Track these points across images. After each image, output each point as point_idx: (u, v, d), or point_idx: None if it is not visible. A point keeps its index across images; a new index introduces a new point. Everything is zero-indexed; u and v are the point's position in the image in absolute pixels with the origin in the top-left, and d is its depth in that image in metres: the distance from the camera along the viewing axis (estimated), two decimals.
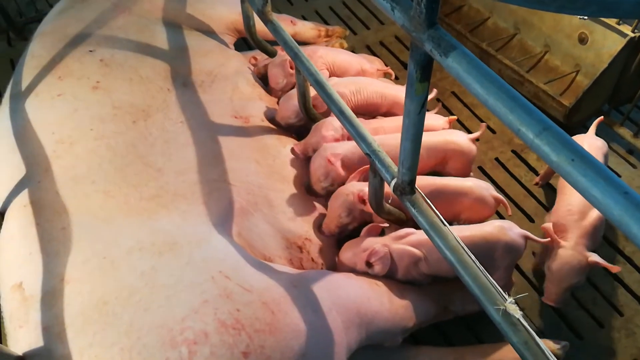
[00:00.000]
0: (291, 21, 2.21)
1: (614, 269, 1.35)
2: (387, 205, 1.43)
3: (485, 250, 1.33)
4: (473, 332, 1.54)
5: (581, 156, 0.62)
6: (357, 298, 1.28)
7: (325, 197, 1.57)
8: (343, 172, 1.54)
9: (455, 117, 1.82)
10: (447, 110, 2.15)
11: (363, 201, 1.44)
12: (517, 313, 0.94)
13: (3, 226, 1.34)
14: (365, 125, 1.66)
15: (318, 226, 1.53)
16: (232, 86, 1.73)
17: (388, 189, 1.25)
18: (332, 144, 1.58)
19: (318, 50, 1.90)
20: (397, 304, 1.34)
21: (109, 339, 1.03)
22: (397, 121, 1.72)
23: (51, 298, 1.12)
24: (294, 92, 1.68)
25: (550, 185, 1.88)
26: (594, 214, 1.45)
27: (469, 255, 1.04)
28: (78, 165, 1.36)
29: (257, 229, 1.41)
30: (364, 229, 1.42)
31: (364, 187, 1.44)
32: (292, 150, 1.66)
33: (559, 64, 2.08)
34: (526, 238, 1.39)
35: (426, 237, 1.30)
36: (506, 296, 0.97)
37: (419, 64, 0.87)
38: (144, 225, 1.24)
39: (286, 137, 1.71)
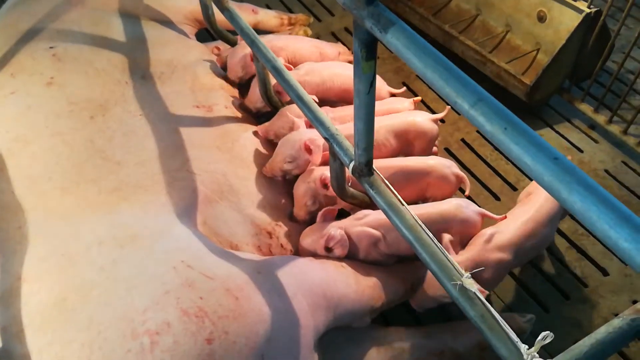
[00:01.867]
0: (252, 10, 2.19)
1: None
2: (350, 189, 1.43)
3: (441, 228, 1.34)
4: (442, 311, 1.55)
5: (513, 125, 0.62)
6: (323, 281, 1.28)
7: (282, 178, 1.56)
8: (319, 161, 1.50)
9: (419, 98, 1.83)
10: (412, 93, 2.16)
11: (325, 185, 1.43)
12: (473, 287, 0.95)
13: None
14: (329, 113, 1.67)
15: (289, 215, 1.53)
16: (192, 76, 1.71)
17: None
18: (310, 129, 1.54)
19: (273, 41, 1.88)
20: (363, 285, 1.35)
21: (68, 335, 1.01)
22: (384, 105, 1.73)
23: (8, 298, 1.09)
24: None
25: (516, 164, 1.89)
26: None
27: (427, 233, 1.05)
28: (34, 164, 1.33)
29: (223, 216, 1.39)
30: (319, 214, 1.42)
31: (325, 171, 1.44)
32: (255, 133, 1.65)
33: (520, 43, 2.10)
34: (482, 215, 1.41)
35: (384, 217, 1.32)
36: (463, 272, 0.98)
37: (363, 43, 0.86)
38: (104, 220, 1.22)
39: (248, 123, 1.69)
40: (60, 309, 1.05)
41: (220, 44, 2.06)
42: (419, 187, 1.52)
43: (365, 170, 1.13)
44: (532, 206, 1.43)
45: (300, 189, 1.48)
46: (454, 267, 0.99)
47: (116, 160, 1.37)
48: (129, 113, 1.51)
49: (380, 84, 1.89)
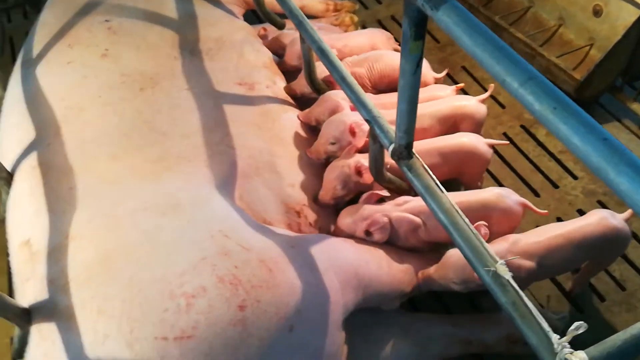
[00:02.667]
0: None
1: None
2: (388, 173, 1.43)
3: (481, 216, 1.32)
4: (471, 302, 1.54)
5: (563, 104, 0.62)
6: (355, 261, 1.29)
7: (325, 164, 1.56)
8: (362, 143, 1.49)
9: (462, 84, 1.79)
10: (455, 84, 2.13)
11: (359, 173, 1.44)
12: (506, 274, 0.94)
13: (12, 187, 1.38)
14: (374, 100, 1.66)
15: (313, 197, 1.54)
16: (238, 54, 1.74)
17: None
18: (354, 112, 1.54)
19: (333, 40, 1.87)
20: (395, 268, 1.36)
21: (111, 291, 1.06)
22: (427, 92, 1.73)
23: (57, 253, 1.16)
24: None
25: (559, 161, 1.85)
26: None
27: (463, 219, 1.04)
28: (86, 130, 1.40)
29: (258, 192, 1.42)
30: (363, 196, 1.42)
31: (361, 159, 1.44)
32: (298, 117, 1.67)
33: (572, 37, 2.04)
34: (523, 206, 1.38)
35: (424, 204, 1.34)
36: (497, 258, 0.97)
37: (412, 21, 0.86)
38: (149, 187, 1.27)
39: (288, 105, 1.72)
40: (104, 266, 1.10)
41: (266, 25, 2.09)
42: (456, 167, 1.52)
43: (404, 153, 1.13)
44: (571, 224, 1.34)
45: (333, 172, 1.49)
46: (489, 253, 0.98)
47: (162, 131, 1.42)
48: (176, 87, 1.56)
49: (426, 69, 1.87)
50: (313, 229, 1.46)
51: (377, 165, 1.36)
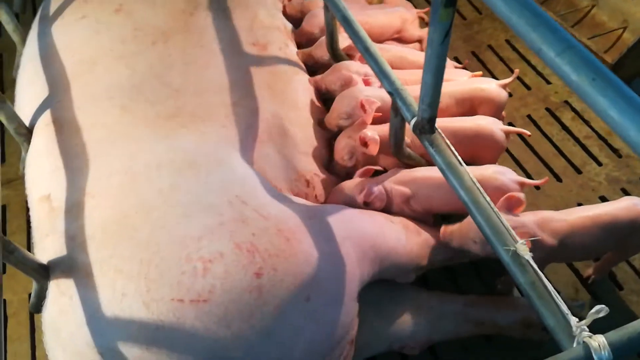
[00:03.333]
0: None
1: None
2: (407, 149, 1.41)
3: None
4: (486, 284, 1.53)
5: (603, 75, 0.59)
6: (372, 232, 1.28)
7: (336, 134, 1.54)
8: (371, 120, 1.46)
9: (480, 73, 1.70)
10: (481, 65, 2.07)
11: (365, 144, 1.42)
12: (526, 254, 0.92)
13: (31, 142, 1.39)
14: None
15: (325, 164, 1.53)
16: (253, 14, 1.70)
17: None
18: (367, 87, 1.53)
19: None
20: (412, 241, 1.35)
21: (128, 251, 1.07)
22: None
23: (76, 210, 1.17)
24: None
25: (584, 146, 1.80)
26: None
27: (484, 196, 1.02)
28: (97, 84, 1.38)
29: (270, 158, 1.41)
30: (357, 172, 1.42)
31: (368, 130, 1.43)
32: (309, 81, 1.64)
33: (606, 19, 1.96)
34: (522, 185, 1.36)
35: (417, 174, 1.37)
36: (517, 238, 0.95)
37: None
38: (163, 143, 1.25)
39: (299, 67, 1.68)
40: (121, 225, 1.11)
41: None
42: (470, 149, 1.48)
43: (427, 127, 1.11)
44: (600, 207, 1.30)
45: (341, 142, 1.49)
46: (509, 232, 0.96)
47: (175, 87, 1.40)
48: (190, 43, 1.52)
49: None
50: (317, 201, 1.45)
51: (397, 139, 1.34)
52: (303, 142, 1.50)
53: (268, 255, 1.08)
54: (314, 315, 1.11)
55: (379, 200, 1.36)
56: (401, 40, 1.89)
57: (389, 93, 1.22)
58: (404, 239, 1.34)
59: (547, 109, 1.91)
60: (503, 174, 1.37)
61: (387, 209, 1.38)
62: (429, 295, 1.43)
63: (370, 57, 1.29)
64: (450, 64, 1.83)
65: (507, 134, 1.52)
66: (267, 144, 1.41)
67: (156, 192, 1.14)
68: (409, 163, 1.43)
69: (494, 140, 1.49)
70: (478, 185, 1.04)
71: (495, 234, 0.97)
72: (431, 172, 1.36)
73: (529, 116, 1.90)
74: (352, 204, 1.37)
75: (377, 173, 1.44)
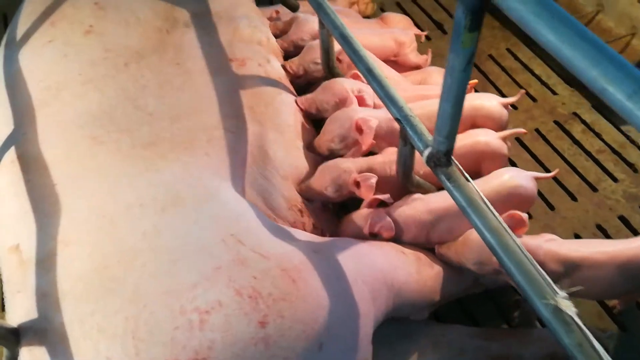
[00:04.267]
0: None
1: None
2: (417, 177, 1.29)
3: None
4: (502, 315, 1.41)
5: None
6: (384, 267, 1.17)
7: (326, 158, 1.41)
8: (369, 143, 1.34)
9: (475, 81, 1.55)
10: (483, 75, 1.97)
11: (357, 184, 1.30)
12: (570, 310, 0.80)
13: None
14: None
15: (307, 144, 1.41)
16: (234, 28, 1.57)
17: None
18: (363, 108, 1.42)
19: None
20: (425, 275, 1.24)
21: (112, 306, 0.94)
22: (436, 90, 1.55)
23: (49, 261, 1.03)
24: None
25: (597, 161, 1.70)
26: None
27: (513, 239, 0.90)
28: (64, 112, 1.25)
29: (257, 184, 1.28)
30: (364, 202, 1.30)
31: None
32: (296, 102, 1.51)
33: (612, 25, 1.87)
34: (535, 179, 1.29)
35: (438, 203, 1.26)
36: (557, 289, 0.83)
37: (468, 9, 0.71)
38: (142, 177, 1.12)
39: (283, 86, 1.54)
40: (102, 277, 0.97)
41: (279, 8, 1.92)
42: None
43: (443, 160, 0.99)
44: (622, 243, 1.16)
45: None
46: (547, 282, 0.84)
47: (149, 111, 1.27)
48: (165, 61, 1.40)
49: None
50: (317, 230, 1.33)
51: (405, 168, 1.22)
52: (285, 165, 1.35)
53: (273, 300, 0.95)
54: None
55: (386, 231, 1.24)
56: (396, 64, 1.76)
57: (397, 120, 1.11)
58: (417, 273, 1.23)
59: (556, 122, 1.81)
60: (518, 176, 1.28)
61: (398, 239, 1.27)
62: (445, 329, 1.31)
63: (373, 79, 1.17)
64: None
65: (505, 139, 1.42)
66: (254, 169, 1.28)
67: (139, 236, 1.01)
68: (418, 192, 1.31)
69: (493, 152, 1.39)
70: (505, 224, 0.93)
71: (531, 283, 0.85)
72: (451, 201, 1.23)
73: (537, 130, 1.80)
74: (361, 235, 1.26)
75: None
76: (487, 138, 1.40)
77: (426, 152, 1.03)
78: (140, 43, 1.41)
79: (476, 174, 1.34)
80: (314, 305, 0.99)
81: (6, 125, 1.27)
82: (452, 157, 1.00)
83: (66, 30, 1.42)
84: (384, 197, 1.28)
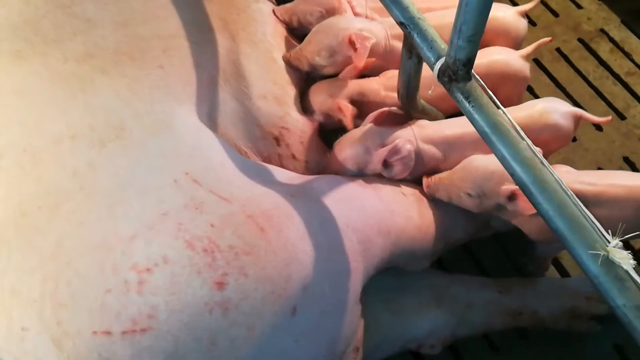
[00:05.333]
0: None
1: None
2: (422, 101, 1.07)
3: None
4: (515, 266, 1.25)
5: None
6: (378, 211, 0.98)
7: (307, 73, 1.19)
8: (363, 62, 1.12)
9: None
10: None
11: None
12: (626, 263, 0.61)
13: None
14: None
15: (283, 55, 1.19)
16: None
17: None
18: (359, 19, 1.18)
19: None
20: (427, 219, 1.05)
21: (28, 263, 0.76)
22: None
23: None
24: None
25: (626, 85, 1.48)
26: None
27: (551, 173, 0.70)
28: None
29: (227, 108, 1.06)
30: (369, 116, 1.08)
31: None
32: (274, 12, 1.26)
33: None
34: (577, 118, 1.10)
35: (450, 130, 1.06)
36: (609, 237, 0.64)
37: None
38: (75, 100, 0.89)
39: None
40: (18, 226, 0.78)
41: None
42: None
43: (461, 72, 0.76)
44: None
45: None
46: (595, 228, 0.65)
47: (87, 17, 1.01)
48: None
49: None
50: (296, 162, 1.11)
51: (409, 87, 1.00)
52: (262, 83, 1.12)
53: (234, 254, 0.77)
54: (304, 332, 0.82)
55: (403, 165, 1.02)
56: None
57: (401, 24, 0.87)
58: (419, 217, 1.04)
59: (580, 40, 1.57)
60: (554, 109, 1.09)
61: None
62: (451, 280, 1.15)
63: None
64: None
65: (528, 57, 1.21)
66: (223, 89, 1.05)
67: (69, 175, 0.81)
68: (422, 119, 1.10)
69: (514, 74, 1.18)
70: (540, 155, 0.72)
71: (574, 228, 0.66)
72: (466, 127, 1.01)
73: (558, 50, 1.56)
74: (355, 167, 1.05)
75: None
76: (506, 57, 1.18)
77: (438, 64, 0.81)
78: None
79: None
80: (287, 259, 0.80)
81: None
82: (473, 71, 0.78)
83: None
84: (395, 109, 1.07)
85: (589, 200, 0.95)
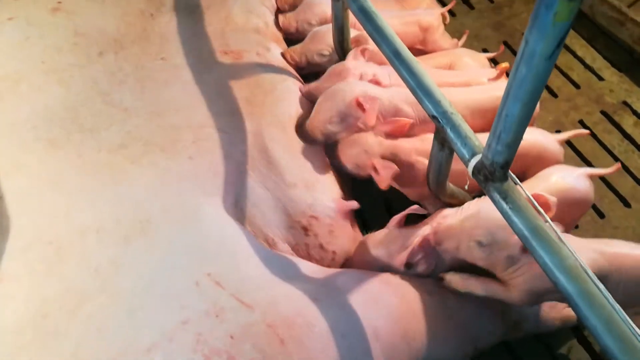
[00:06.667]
0: None
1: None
2: (451, 185, 1.06)
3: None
4: (548, 350, 1.19)
5: None
6: (403, 315, 0.93)
7: (322, 144, 1.17)
8: (374, 121, 1.10)
9: (506, 65, 1.31)
10: (514, 55, 1.71)
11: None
12: None
13: None
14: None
15: (298, 126, 1.17)
16: (226, 14, 1.33)
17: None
18: (364, 82, 1.17)
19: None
20: (454, 322, 1.00)
21: None
22: (463, 76, 1.30)
23: None
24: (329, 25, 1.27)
25: None
26: None
27: (593, 281, 0.68)
28: (19, 108, 1.03)
29: (255, 196, 1.05)
30: (393, 220, 1.06)
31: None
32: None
33: None
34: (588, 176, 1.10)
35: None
36: None
37: None
38: (105, 191, 0.91)
39: (286, 73, 1.29)
40: (39, 328, 0.77)
41: None
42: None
43: (499, 174, 0.75)
44: None
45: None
46: (637, 337, 0.62)
47: (124, 106, 1.04)
48: (148, 55, 1.17)
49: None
50: (324, 252, 1.09)
51: (439, 175, 0.99)
52: (292, 170, 1.10)
53: None
54: None
55: (426, 263, 1.00)
56: (423, 52, 1.49)
57: (433, 118, 0.87)
58: (443, 320, 0.99)
59: (603, 112, 1.56)
60: (569, 175, 1.10)
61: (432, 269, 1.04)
62: None
63: (402, 65, 0.92)
64: (477, 56, 1.47)
65: (563, 142, 1.22)
66: (250, 176, 1.05)
67: (91, 273, 0.80)
68: (452, 203, 1.08)
69: (551, 156, 1.17)
70: (583, 262, 0.70)
71: (624, 349, 0.62)
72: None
73: (581, 122, 1.55)
74: (378, 263, 1.03)
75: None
76: (545, 140, 1.17)
77: (473, 162, 0.80)
78: (120, 29, 1.19)
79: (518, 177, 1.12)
80: None
81: None
82: (510, 172, 0.77)
83: (30, 6, 1.19)
84: (419, 209, 1.05)
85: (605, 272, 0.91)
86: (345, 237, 1.11)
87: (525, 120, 0.66)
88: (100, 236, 0.83)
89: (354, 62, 1.20)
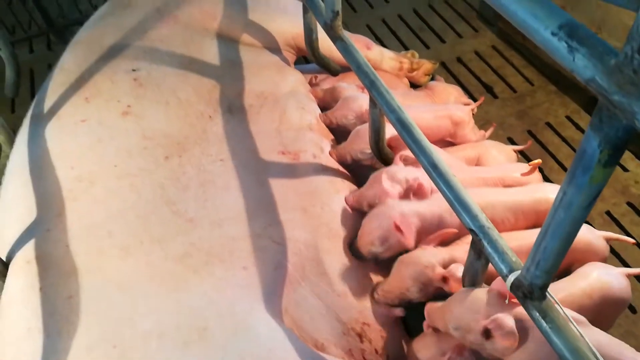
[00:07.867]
0: (366, 45, 1.78)
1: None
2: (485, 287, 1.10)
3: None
4: None
5: None
6: None
7: (373, 261, 1.22)
8: (413, 242, 1.17)
9: (539, 161, 1.37)
10: (541, 147, 1.78)
11: (445, 280, 1.10)
12: None
13: (6, 282, 1.09)
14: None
15: (349, 245, 1.24)
16: (280, 112, 1.44)
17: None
18: (401, 202, 1.22)
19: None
20: None
21: None
22: (497, 172, 1.37)
23: None
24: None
25: None
26: None
27: None
28: (94, 211, 1.12)
29: (306, 304, 1.11)
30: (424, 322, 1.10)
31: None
32: (345, 200, 1.32)
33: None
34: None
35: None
36: None
37: (610, 141, 0.54)
38: (168, 299, 0.98)
39: (341, 180, 1.37)
40: None
41: (319, 72, 1.78)
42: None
43: (537, 293, 0.80)
44: None
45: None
46: None
47: (189, 216, 1.13)
48: (209, 157, 1.27)
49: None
50: (379, 357, 1.13)
51: (474, 283, 1.03)
52: (342, 279, 1.17)
53: None
54: None
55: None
56: (452, 144, 1.58)
57: (471, 231, 0.92)
58: None
59: (629, 204, 1.60)
60: (607, 273, 1.12)
61: None
62: None
63: (440, 178, 0.99)
64: (504, 148, 1.55)
65: (608, 240, 1.25)
66: (301, 285, 1.11)
67: None
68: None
69: (594, 253, 1.21)
70: None
71: None
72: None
73: (608, 213, 1.59)
74: None
75: None
76: (591, 236, 1.21)
77: (511, 278, 0.84)
78: (182, 131, 1.29)
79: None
80: None
81: (28, 214, 1.14)
82: (548, 291, 0.81)
83: (102, 109, 1.31)
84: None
85: None
86: (396, 339, 1.17)
87: (563, 252, 0.71)
88: (162, 341, 0.89)
89: (395, 167, 1.27)
